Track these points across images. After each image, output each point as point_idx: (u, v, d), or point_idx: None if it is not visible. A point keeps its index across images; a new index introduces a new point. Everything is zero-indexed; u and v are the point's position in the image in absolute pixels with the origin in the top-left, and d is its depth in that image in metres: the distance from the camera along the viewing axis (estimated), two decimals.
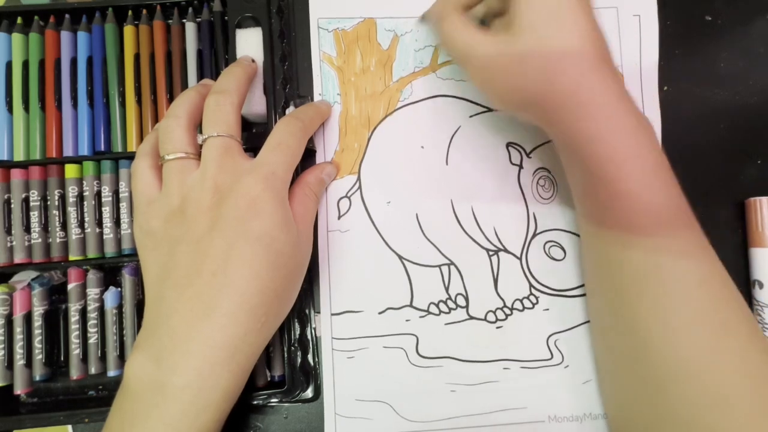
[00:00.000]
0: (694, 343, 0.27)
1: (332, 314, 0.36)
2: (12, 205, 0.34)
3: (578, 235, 0.37)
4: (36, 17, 0.35)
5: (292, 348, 0.34)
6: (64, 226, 0.34)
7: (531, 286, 0.37)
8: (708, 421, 0.26)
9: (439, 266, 0.36)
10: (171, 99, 0.35)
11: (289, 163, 0.31)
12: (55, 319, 0.34)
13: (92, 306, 0.34)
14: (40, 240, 0.34)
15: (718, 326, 0.27)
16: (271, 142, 0.31)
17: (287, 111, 0.36)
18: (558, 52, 0.27)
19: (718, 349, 0.27)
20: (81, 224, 0.34)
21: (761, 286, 0.36)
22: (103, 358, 0.34)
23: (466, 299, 0.36)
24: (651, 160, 0.28)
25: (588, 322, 0.36)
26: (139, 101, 0.35)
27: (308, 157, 0.37)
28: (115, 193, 0.35)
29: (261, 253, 0.28)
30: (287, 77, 0.36)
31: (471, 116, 0.38)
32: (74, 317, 0.33)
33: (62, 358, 0.34)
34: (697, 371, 0.27)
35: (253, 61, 0.35)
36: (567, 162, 0.31)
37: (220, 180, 0.29)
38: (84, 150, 0.35)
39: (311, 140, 0.36)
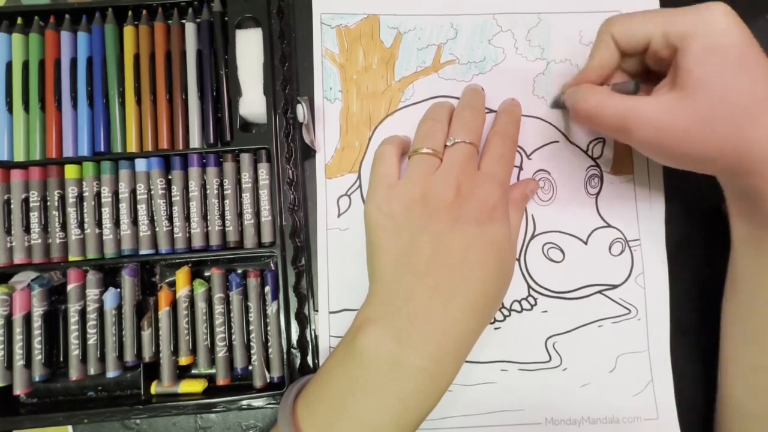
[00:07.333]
0: None
1: (330, 312, 0.36)
2: (12, 206, 0.34)
3: (576, 237, 0.37)
4: (36, 17, 0.35)
5: (292, 350, 0.34)
6: (64, 226, 0.34)
7: (529, 287, 0.37)
8: None
9: None
10: (170, 99, 0.35)
11: (510, 175, 0.34)
12: (55, 320, 0.34)
13: (91, 307, 0.34)
14: (39, 240, 0.34)
15: None
16: (493, 154, 0.33)
17: (288, 111, 0.36)
18: (748, 104, 0.26)
19: None
20: (80, 225, 0.34)
21: None
22: (102, 358, 0.34)
23: None
24: None
25: (586, 324, 0.36)
26: (138, 102, 0.35)
27: (309, 157, 0.37)
28: (115, 193, 0.35)
29: (493, 259, 0.30)
30: (287, 77, 0.36)
31: None
32: (73, 318, 0.33)
33: (61, 359, 0.34)
34: None
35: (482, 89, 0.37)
36: (746, 209, 0.30)
37: (462, 181, 0.31)
38: (84, 150, 0.35)
39: (312, 143, 0.36)
